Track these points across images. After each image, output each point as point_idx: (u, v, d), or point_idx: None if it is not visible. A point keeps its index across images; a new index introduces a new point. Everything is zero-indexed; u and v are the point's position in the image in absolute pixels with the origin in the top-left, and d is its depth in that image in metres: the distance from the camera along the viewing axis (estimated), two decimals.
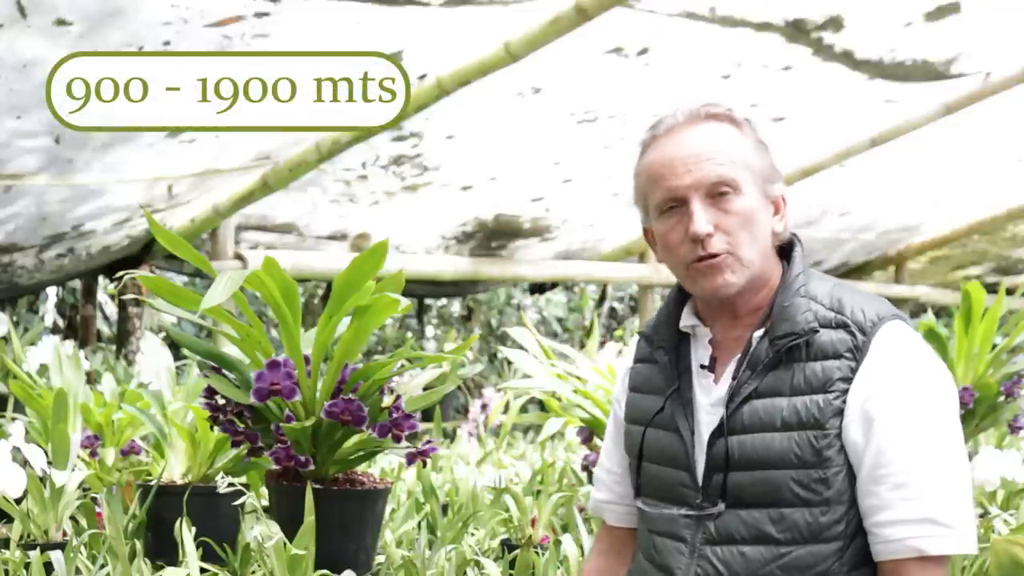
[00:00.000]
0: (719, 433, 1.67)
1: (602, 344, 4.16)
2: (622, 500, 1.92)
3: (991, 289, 6.44)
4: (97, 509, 2.52)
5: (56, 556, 2.20)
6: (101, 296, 6.38)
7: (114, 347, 5.10)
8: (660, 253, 1.75)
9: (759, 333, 1.68)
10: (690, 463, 1.70)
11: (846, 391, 1.61)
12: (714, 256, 1.66)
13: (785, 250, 1.76)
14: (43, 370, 3.57)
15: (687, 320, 1.78)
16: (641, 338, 1.87)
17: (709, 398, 1.71)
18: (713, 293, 1.69)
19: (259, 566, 2.23)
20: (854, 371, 1.61)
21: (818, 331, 1.63)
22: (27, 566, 2.21)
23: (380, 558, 2.39)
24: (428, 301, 8.04)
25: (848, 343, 1.62)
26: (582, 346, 4.44)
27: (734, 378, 1.68)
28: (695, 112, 1.72)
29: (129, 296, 4.41)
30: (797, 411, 1.62)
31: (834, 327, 1.64)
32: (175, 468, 2.53)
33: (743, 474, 1.64)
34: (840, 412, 1.61)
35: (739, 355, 1.69)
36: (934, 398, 1.62)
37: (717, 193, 1.66)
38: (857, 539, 1.62)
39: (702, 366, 1.74)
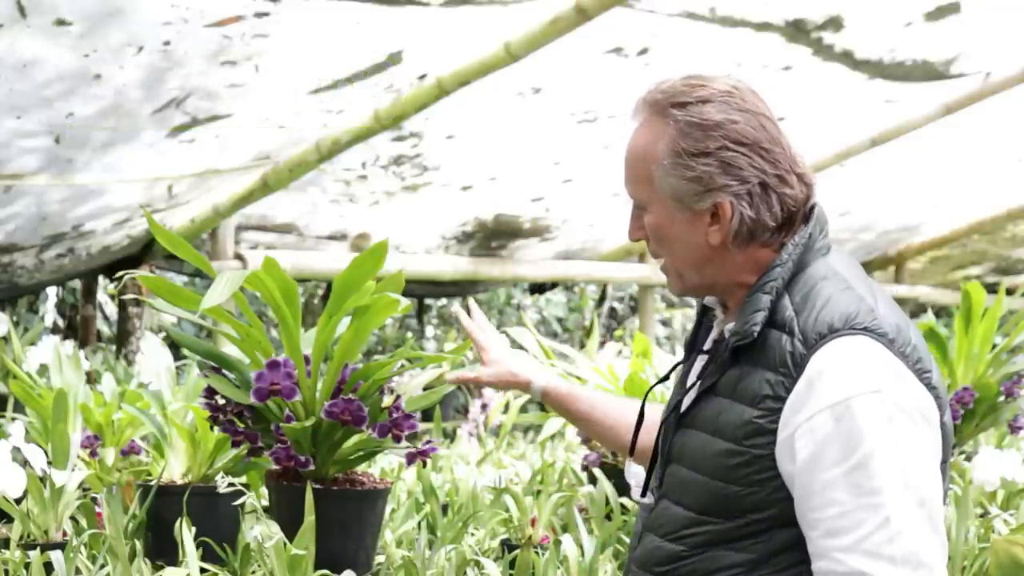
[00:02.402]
0: (675, 425, 1.63)
1: (602, 344, 4.17)
2: None
3: (991, 289, 6.44)
4: (97, 509, 2.52)
5: (56, 556, 2.20)
6: (101, 296, 6.38)
7: (114, 347, 5.10)
8: None
9: (731, 327, 1.58)
10: (660, 446, 1.69)
11: (775, 411, 1.47)
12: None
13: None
14: (43, 370, 3.57)
15: (709, 299, 1.70)
16: None
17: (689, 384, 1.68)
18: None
19: (259, 566, 2.23)
20: (788, 391, 1.47)
21: (754, 335, 1.51)
22: (27, 566, 2.21)
23: (380, 558, 2.39)
24: (428, 301, 8.03)
25: (787, 356, 1.48)
26: (582, 346, 4.45)
27: (703, 368, 1.64)
28: (642, 101, 1.61)
29: (129, 296, 4.41)
30: (728, 419, 1.52)
31: (787, 332, 1.50)
32: (175, 468, 2.53)
33: (680, 469, 1.60)
34: (765, 432, 1.48)
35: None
36: (868, 437, 1.42)
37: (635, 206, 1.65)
38: (779, 559, 1.50)
39: (701, 350, 1.70)
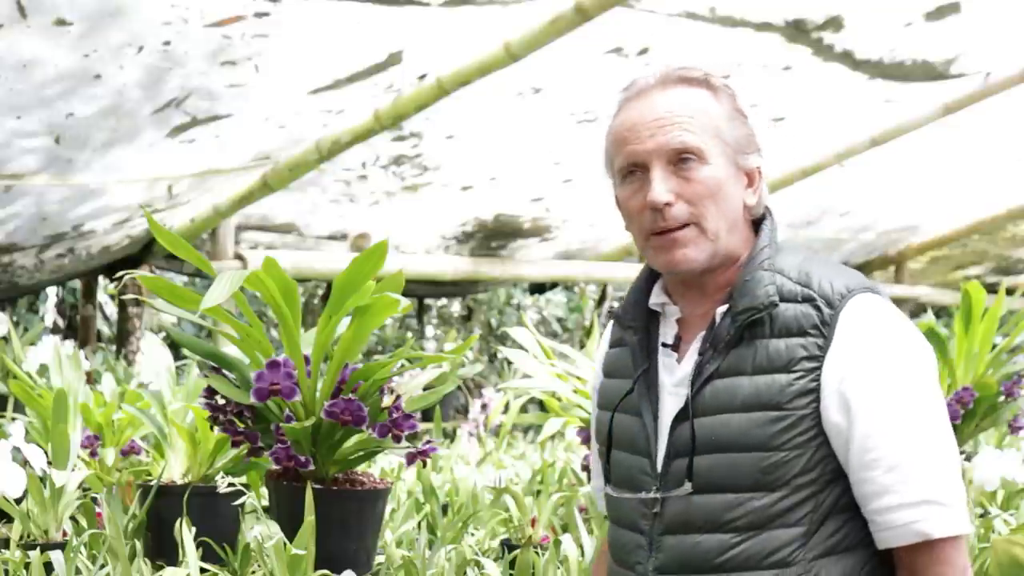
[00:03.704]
0: (683, 416, 1.60)
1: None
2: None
3: (991, 289, 6.43)
4: (97, 509, 2.52)
5: (56, 556, 2.20)
6: (101, 296, 6.38)
7: (114, 347, 5.11)
8: (625, 221, 1.68)
9: (722, 309, 1.60)
10: (650, 448, 1.63)
11: (813, 370, 1.54)
12: (673, 229, 1.59)
13: (758, 224, 1.67)
14: (43, 370, 3.57)
15: (656, 298, 1.70)
16: (614, 321, 1.79)
17: (672, 379, 1.65)
18: (672, 268, 1.62)
19: (259, 566, 2.23)
20: (822, 349, 1.54)
21: (777, 305, 1.57)
22: (27, 566, 2.21)
23: (380, 558, 2.39)
24: (428, 301, 8.04)
25: (814, 318, 1.55)
26: (582, 346, 4.44)
27: (700, 355, 1.61)
28: (668, 75, 1.63)
29: (129, 296, 4.42)
30: (757, 391, 1.55)
31: (800, 301, 1.57)
32: (175, 468, 2.53)
33: (702, 458, 1.57)
34: (807, 392, 1.54)
35: (703, 333, 1.63)
36: (912, 372, 1.55)
37: (680, 160, 1.58)
38: (828, 524, 1.55)
39: (664, 345, 1.67)
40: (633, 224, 1.65)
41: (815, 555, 1.54)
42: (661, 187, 1.58)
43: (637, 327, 1.71)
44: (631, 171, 1.62)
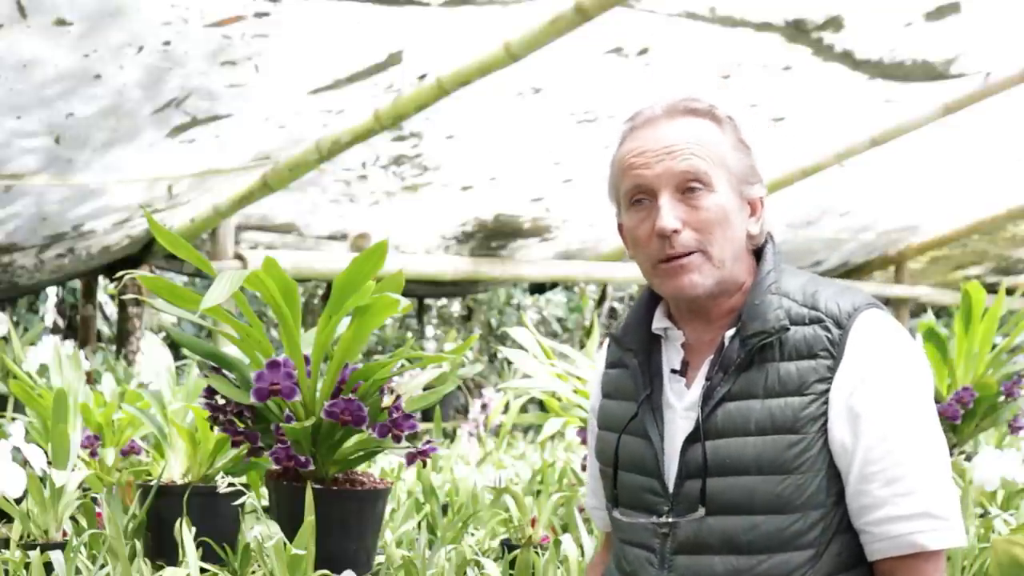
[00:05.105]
0: (693, 438, 1.61)
1: (602, 344, 4.16)
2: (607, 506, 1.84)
3: (991, 289, 6.44)
4: (97, 509, 2.52)
5: (56, 556, 2.20)
6: (101, 296, 6.38)
7: (114, 347, 5.11)
8: (629, 249, 1.70)
9: (730, 333, 1.62)
10: (660, 470, 1.65)
11: (825, 392, 1.56)
12: (681, 256, 1.61)
13: (760, 251, 1.70)
14: (43, 370, 3.57)
15: (659, 323, 1.72)
16: (611, 341, 1.80)
17: (682, 403, 1.66)
18: (679, 294, 1.64)
19: (259, 566, 2.23)
20: (832, 370, 1.57)
21: (789, 329, 1.59)
22: (27, 566, 2.21)
23: (380, 558, 2.39)
24: (428, 301, 8.04)
25: (823, 340, 1.58)
26: (582, 346, 4.44)
27: (707, 380, 1.63)
28: (674, 106, 1.67)
29: (129, 296, 4.42)
30: (771, 414, 1.57)
31: (808, 323, 1.59)
32: (175, 468, 2.53)
33: (716, 480, 1.59)
34: (819, 416, 1.56)
35: (711, 357, 1.64)
36: (916, 389, 1.59)
37: (688, 188, 1.61)
38: (833, 545, 1.58)
39: (673, 370, 1.69)
40: (640, 252, 1.67)
41: (823, 574, 1.57)
42: (669, 214, 1.60)
43: (638, 350, 1.73)
44: (638, 198, 1.65)
